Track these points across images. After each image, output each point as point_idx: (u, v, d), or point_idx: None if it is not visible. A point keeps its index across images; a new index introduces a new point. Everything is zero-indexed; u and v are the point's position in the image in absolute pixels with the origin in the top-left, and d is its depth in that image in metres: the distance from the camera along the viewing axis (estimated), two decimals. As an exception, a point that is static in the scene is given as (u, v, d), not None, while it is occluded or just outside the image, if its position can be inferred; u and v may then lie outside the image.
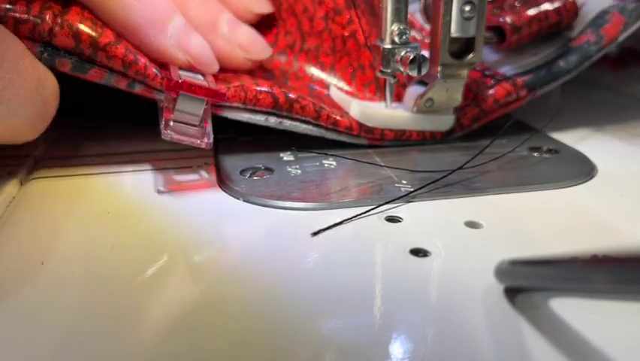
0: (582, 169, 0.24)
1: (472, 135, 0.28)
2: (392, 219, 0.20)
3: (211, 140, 0.21)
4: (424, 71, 0.25)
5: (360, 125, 0.26)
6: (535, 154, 0.26)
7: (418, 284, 0.16)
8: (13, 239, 0.18)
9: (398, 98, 0.28)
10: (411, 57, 0.25)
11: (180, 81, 0.21)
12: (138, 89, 0.23)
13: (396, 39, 0.25)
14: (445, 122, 0.27)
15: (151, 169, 0.24)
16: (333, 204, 0.21)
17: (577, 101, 0.36)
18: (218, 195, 0.22)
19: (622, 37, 0.27)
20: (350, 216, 0.20)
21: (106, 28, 0.21)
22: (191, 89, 0.21)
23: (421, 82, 0.27)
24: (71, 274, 0.17)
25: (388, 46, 0.25)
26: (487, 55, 0.29)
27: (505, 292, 0.16)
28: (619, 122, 0.32)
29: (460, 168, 0.23)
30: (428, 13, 0.26)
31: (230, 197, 0.22)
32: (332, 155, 0.25)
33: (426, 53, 0.26)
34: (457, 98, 0.27)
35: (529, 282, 0.15)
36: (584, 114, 0.32)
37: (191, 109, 0.21)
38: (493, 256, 0.16)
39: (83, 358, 0.13)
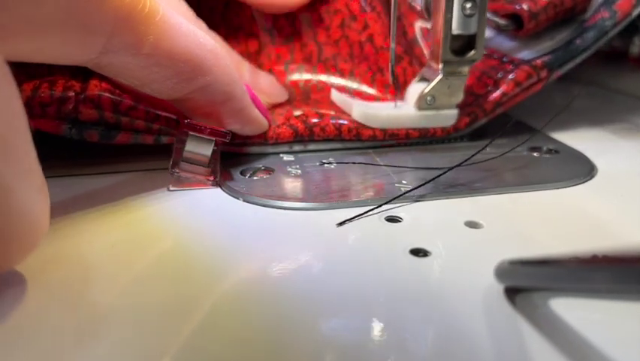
0: (582, 169, 0.24)
1: (474, 135, 0.28)
2: (392, 219, 0.20)
3: (218, 177, 0.23)
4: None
5: (384, 132, 0.27)
6: (535, 154, 0.26)
7: (418, 284, 0.16)
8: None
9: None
10: None
11: (186, 122, 0.22)
12: (165, 140, 0.23)
13: None
14: (447, 118, 0.27)
15: (150, 169, 0.24)
16: (333, 204, 0.21)
17: (577, 101, 0.36)
18: (219, 195, 0.22)
19: (636, 11, 0.27)
20: (374, 206, 0.20)
21: (125, 94, 0.22)
22: (197, 128, 0.22)
23: (423, 79, 0.27)
24: (72, 273, 0.17)
25: None
26: (504, 42, 0.30)
27: (505, 292, 0.16)
28: (619, 122, 0.32)
29: (457, 166, 0.23)
30: (429, 10, 0.26)
31: (230, 197, 0.22)
32: (332, 160, 0.25)
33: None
34: (459, 95, 0.27)
35: (529, 282, 0.15)
36: (584, 114, 0.32)
37: (200, 150, 0.22)
38: (493, 256, 0.16)
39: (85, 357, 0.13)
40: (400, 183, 0.23)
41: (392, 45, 0.26)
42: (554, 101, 0.34)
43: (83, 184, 0.23)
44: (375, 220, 0.20)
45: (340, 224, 0.20)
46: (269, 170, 0.24)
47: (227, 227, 0.20)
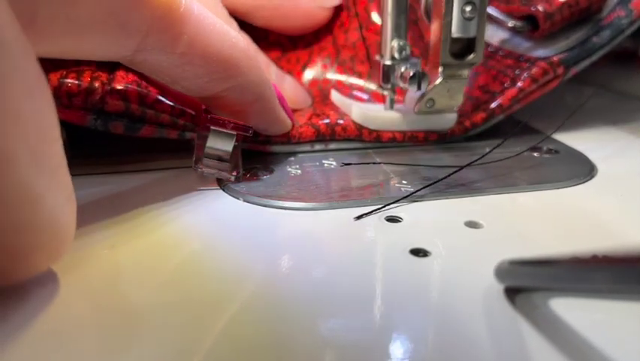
0: (582, 169, 0.24)
1: (477, 136, 0.28)
2: (392, 219, 0.20)
3: (240, 172, 0.23)
4: (424, 88, 0.25)
5: (404, 134, 0.27)
6: (535, 154, 0.26)
7: (418, 284, 0.16)
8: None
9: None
10: (411, 73, 0.25)
11: (209, 117, 0.22)
12: (189, 136, 0.24)
13: (396, 55, 0.26)
14: (446, 121, 0.27)
15: (150, 169, 0.24)
16: (333, 204, 0.21)
17: (576, 102, 0.36)
18: (219, 195, 0.22)
19: None
20: (390, 202, 0.21)
21: (150, 87, 0.22)
22: (220, 123, 0.22)
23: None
24: (71, 273, 0.17)
25: (388, 62, 0.26)
26: (520, 43, 0.30)
27: (505, 292, 0.16)
28: (619, 122, 0.32)
29: (463, 167, 0.23)
30: (429, 13, 0.26)
31: (230, 197, 0.22)
32: (333, 162, 0.25)
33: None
34: (459, 98, 0.27)
35: (529, 282, 0.15)
36: (585, 114, 0.32)
37: (221, 145, 0.22)
38: (493, 256, 0.16)
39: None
40: (401, 183, 0.23)
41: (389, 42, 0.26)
42: (563, 102, 0.34)
43: (75, 185, 0.23)
44: (375, 220, 0.20)
45: (357, 218, 0.20)
46: (269, 170, 0.24)
47: (227, 227, 0.20)
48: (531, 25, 0.29)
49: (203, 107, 0.23)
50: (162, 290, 0.16)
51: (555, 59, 0.28)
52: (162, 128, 0.23)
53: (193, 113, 0.23)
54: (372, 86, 0.30)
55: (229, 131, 0.22)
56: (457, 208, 0.21)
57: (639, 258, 0.11)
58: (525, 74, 0.27)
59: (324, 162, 0.25)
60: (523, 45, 0.29)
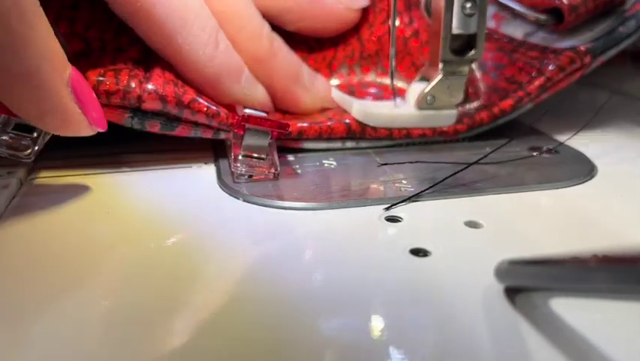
0: (582, 169, 0.24)
1: (478, 136, 0.28)
2: (392, 219, 0.20)
3: (278, 170, 0.23)
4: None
5: (434, 130, 0.27)
6: (535, 154, 0.26)
7: (418, 284, 0.16)
8: (13, 239, 0.18)
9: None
10: None
11: (246, 116, 0.22)
12: (223, 136, 0.24)
13: None
14: (447, 118, 0.27)
15: (150, 169, 0.24)
16: (333, 204, 0.21)
17: (578, 101, 0.36)
18: (219, 195, 0.22)
19: None
20: (425, 188, 0.21)
21: (187, 86, 0.23)
22: (257, 121, 0.22)
23: (423, 79, 0.27)
24: (71, 273, 0.17)
25: None
26: (544, 36, 0.30)
27: (505, 292, 0.16)
28: (619, 122, 0.32)
29: (465, 167, 0.23)
30: (429, 9, 0.26)
31: (230, 197, 0.22)
32: (334, 162, 0.25)
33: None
34: (459, 94, 0.27)
35: (529, 282, 0.15)
36: (585, 114, 0.32)
37: (257, 143, 0.22)
38: (493, 256, 0.16)
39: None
40: (401, 183, 0.23)
41: (392, 51, 0.26)
42: (571, 103, 0.34)
43: (74, 185, 0.23)
44: (375, 220, 0.20)
45: (387, 208, 0.20)
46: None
47: (227, 227, 0.20)
48: (555, 19, 0.28)
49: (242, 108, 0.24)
50: (161, 291, 0.16)
51: (582, 48, 0.27)
52: (197, 128, 0.23)
53: (228, 112, 0.23)
54: (399, 83, 0.30)
55: (265, 129, 0.22)
56: (457, 208, 0.21)
57: (639, 258, 0.11)
58: (552, 64, 0.27)
59: (324, 162, 0.25)
60: (547, 38, 0.29)
